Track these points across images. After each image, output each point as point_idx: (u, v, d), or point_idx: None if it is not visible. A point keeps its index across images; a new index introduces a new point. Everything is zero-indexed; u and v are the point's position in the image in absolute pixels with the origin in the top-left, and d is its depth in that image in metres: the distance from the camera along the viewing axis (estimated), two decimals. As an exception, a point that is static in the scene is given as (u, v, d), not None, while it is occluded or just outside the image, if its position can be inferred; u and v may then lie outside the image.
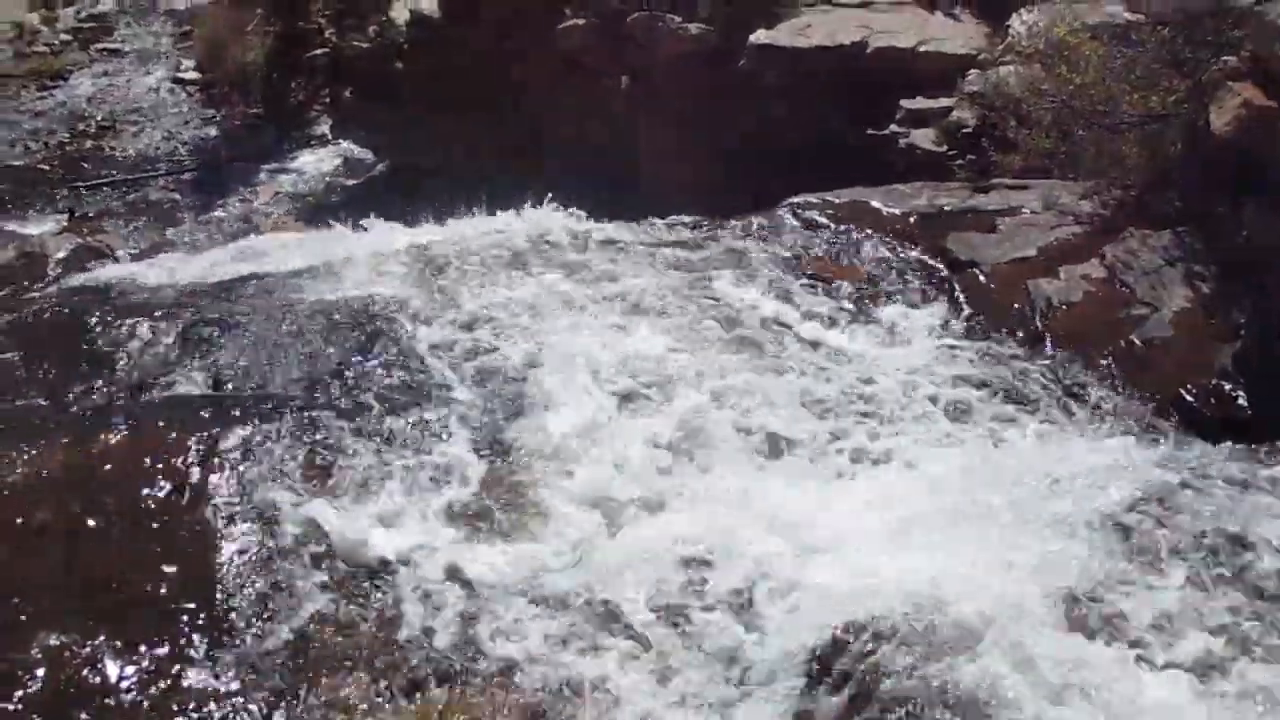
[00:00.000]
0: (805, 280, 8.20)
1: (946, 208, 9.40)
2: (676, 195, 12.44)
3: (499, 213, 10.54)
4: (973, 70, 13.89)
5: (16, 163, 18.65)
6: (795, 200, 9.59)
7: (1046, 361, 7.23)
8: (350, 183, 17.43)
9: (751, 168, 13.98)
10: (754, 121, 14.41)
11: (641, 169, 14.90)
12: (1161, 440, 6.27)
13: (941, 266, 8.40)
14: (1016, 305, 7.83)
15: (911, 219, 9.20)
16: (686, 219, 9.75)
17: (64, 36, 24.14)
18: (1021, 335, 7.55)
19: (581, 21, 15.47)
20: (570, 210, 10.19)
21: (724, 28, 14.75)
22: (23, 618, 4.98)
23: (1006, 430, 6.46)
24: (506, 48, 15.85)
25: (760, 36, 14.46)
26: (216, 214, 16.52)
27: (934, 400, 6.75)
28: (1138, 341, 7.36)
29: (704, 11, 14.95)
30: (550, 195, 10.66)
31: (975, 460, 6.00)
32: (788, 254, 8.66)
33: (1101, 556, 4.81)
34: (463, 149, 15.45)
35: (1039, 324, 7.62)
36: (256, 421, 6.22)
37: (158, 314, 8.39)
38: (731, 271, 8.39)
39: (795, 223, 9.24)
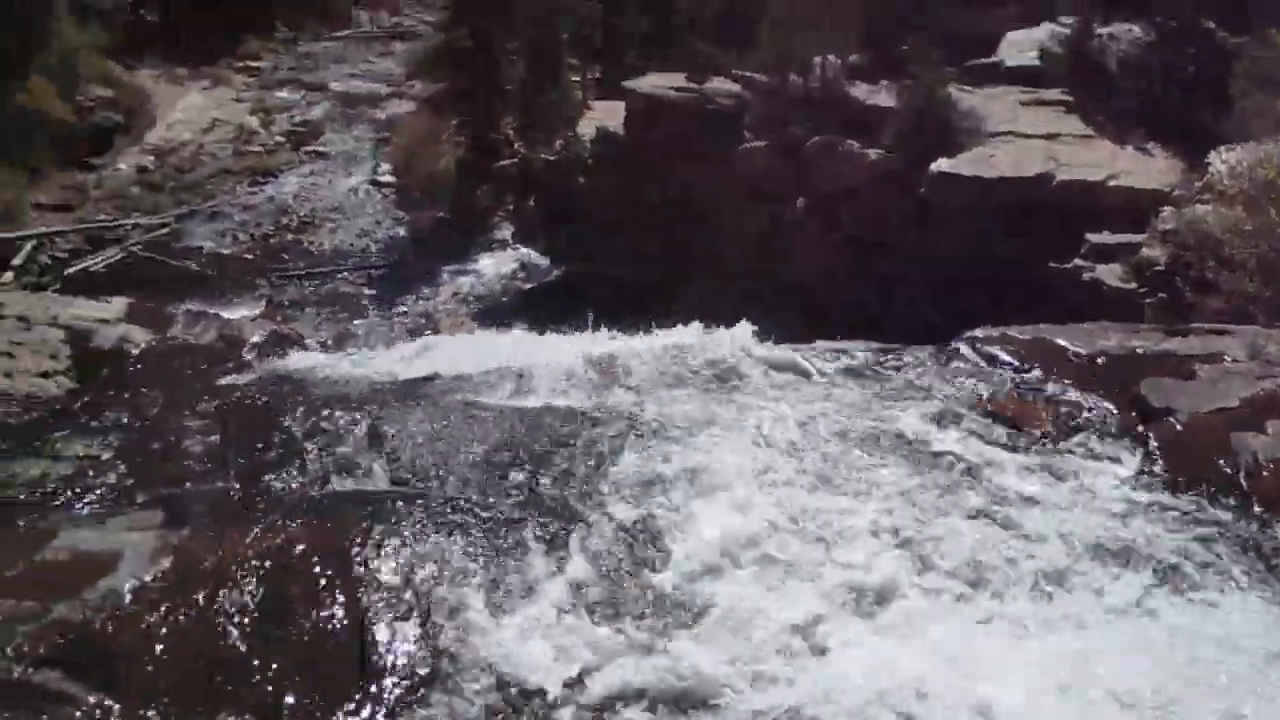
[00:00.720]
0: (985, 419, 7.90)
1: (1139, 350, 8.98)
2: (848, 318, 12.38)
3: (672, 327, 10.67)
4: (1165, 207, 13.47)
5: (225, 251, 20.17)
6: (975, 334, 9.36)
7: (1253, 525, 6.68)
8: (527, 287, 18.05)
9: (926, 295, 13.84)
10: (930, 249, 14.30)
11: (814, 290, 14.92)
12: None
13: (1133, 413, 7.96)
14: (1218, 460, 7.30)
15: (1100, 360, 8.81)
16: (859, 345, 9.64)
17: (278, 138, 26.32)
18: (1224, 494, 7.00)
19: (761, 144, 15.82)
20: (742, 328, 10.25)
21: (905, 155, 14.81)
22: (211, 699, 5.18)
23: (1211, 599, 5.96)
24: (685, 167, 16.31)
25: (941, 165, 14.45)
26: (400, 310, 17.36)
27: (1125, 561, 6.31)
28: (1360, 509, 6.73)
29: (885, 139, 15.05)
30: (722, 312, 10.77)
31: (1178, 631, 5.55)
32: (966, 390, 8.40)
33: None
34: (638, 261, 15.87)
35: (1244, 483, 7.07)
36: (433, 523, 6.38)
37: (344, 407, 8.78)
38: (906, 404, 8.18)
39: (975, 357, 8.99)
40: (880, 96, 16.36)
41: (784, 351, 9.19)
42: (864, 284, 14.68)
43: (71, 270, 18.20)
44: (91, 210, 20.97)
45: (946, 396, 8.27)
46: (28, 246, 18.16)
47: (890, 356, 9.16)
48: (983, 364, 8.82)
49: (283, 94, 29.59)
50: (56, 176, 21.15)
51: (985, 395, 8.28)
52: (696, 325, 9.78)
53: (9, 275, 16.88)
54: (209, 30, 30.70)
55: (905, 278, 14.30)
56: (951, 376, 8.68)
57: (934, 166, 14.49)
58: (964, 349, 9.15)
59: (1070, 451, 7.45)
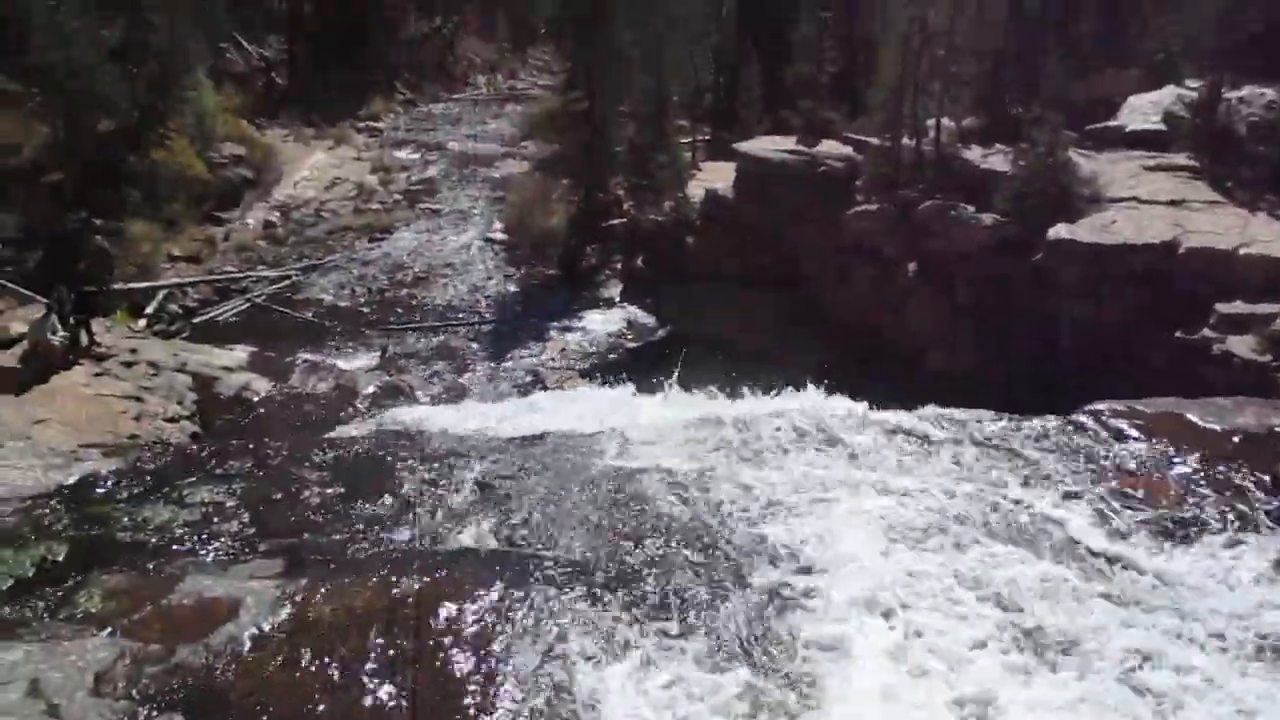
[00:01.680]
0: (1112, 496, 7.58)
1: (1278, 428, 8.55)
2: (960, 385, 12.07)
3: (779, 391, 10.56)
4: (1303, 277, 12.88)
5: (343, 304, 20.79)
6: (1099, 407, 9.03)
7: None
8: (633, 345, 18.11)
9: (1042, 365, 13.40)
10: (1048, 317, 13.90)
11: (925, 356, 14.62)
12: None
13: (1274, 496, 7.54)
14: (1370, 551, 6.86)
15: (1235, 438, 8.41)
16: (974, 414, 9.37)
17: (396, 196, 27.20)
18: (1375, 587, 6.57)
19: (872, 208, 15.67)
20: (849, 394, 10.08)
21: (1021, 219, 14.48)
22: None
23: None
24: (794, 229, 16.26)
25: (1060, 231, 14.06)
26: (507, 365, 17.57)
27: (1273, 660, 5.93)
28: None
29: (1000, 203, 14.75)
30: (829, 376, 10.63)
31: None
32: (1091, 465, 8.08)
33: None
34: (745, 322, 15.79)
35: (1398, 576, 6.62)
36: (543, 584, 6.37)
37: (456, 463, 8.91)
38: (1026, 478, 7.91)
39: (1099, 430, 8.66)
40: (995, 160, 16.09)
41: (886, 415, 9.00)
42: (977, 350, 14.32)
43: (199, 319, 19.00)
44: (219, 262, 21.91)
45: (1065, 468, 7.97)
46: (159, 296, 19.05)
47: (1008, 425, 8.88)
48: (1108, 438, 8.48)
49: (401, 153, 30.66)
50: (190, 229, 22.19)
51: (1109, 469, 7.96)
52: (798, 387, 9.67)
53: (142, 323, 17.68)
54: (335, 92, 32.14)
55: (1020, 345, 13.88)
56: (1073, 448, 8.37)
57: (1052, 232, 14.10)
58: (1087, 421, 8.83)
59: (1206, 534, 7.08)
